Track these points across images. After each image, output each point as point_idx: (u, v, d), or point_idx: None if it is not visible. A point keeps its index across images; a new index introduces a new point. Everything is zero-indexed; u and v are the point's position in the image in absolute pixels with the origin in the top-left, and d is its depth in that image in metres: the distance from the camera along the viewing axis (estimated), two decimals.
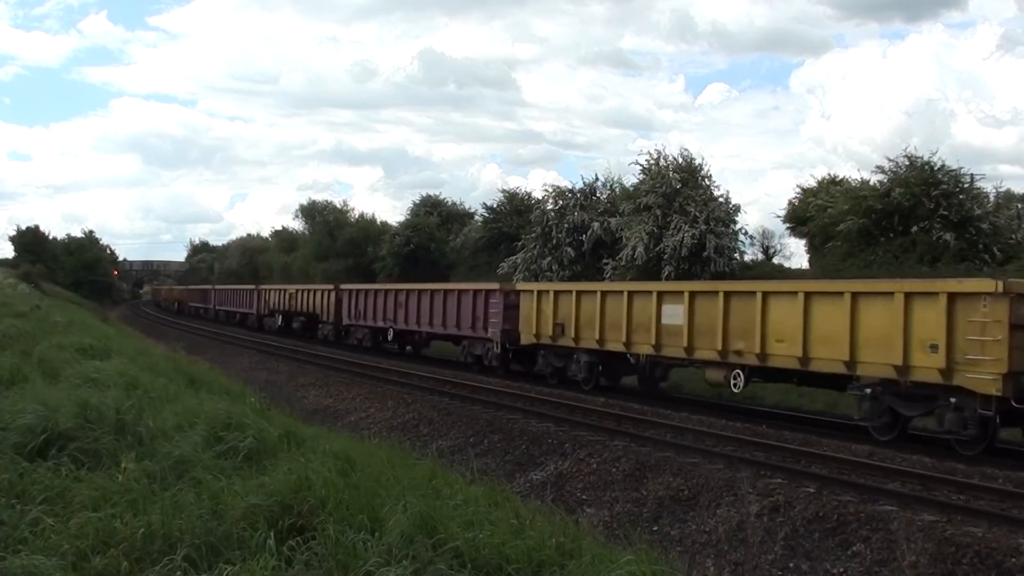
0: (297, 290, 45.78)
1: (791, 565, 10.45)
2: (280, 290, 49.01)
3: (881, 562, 10.04)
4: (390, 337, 34.45)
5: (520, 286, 26.70)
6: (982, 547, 9.73)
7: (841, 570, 10.18)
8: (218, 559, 5.74)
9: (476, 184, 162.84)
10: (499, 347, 26.04)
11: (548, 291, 24.48)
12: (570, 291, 23.71)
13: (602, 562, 5.91)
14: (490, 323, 26.47)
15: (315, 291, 43.14)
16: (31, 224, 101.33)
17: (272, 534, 6.04)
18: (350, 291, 38.30)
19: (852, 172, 76.82)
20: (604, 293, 22.39)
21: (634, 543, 6.29)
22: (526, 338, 24.72)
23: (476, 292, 27.83)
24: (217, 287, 67.91)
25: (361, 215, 71.72)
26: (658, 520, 12.44)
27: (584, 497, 13.85)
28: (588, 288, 23.97)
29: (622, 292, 21.76)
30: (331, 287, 41.17)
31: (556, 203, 40.49)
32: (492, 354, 26.60)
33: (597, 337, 21.86)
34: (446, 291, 30.10)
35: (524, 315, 24.83)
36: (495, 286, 27.14)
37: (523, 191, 50.69)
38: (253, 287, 55.09)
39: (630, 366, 22.16)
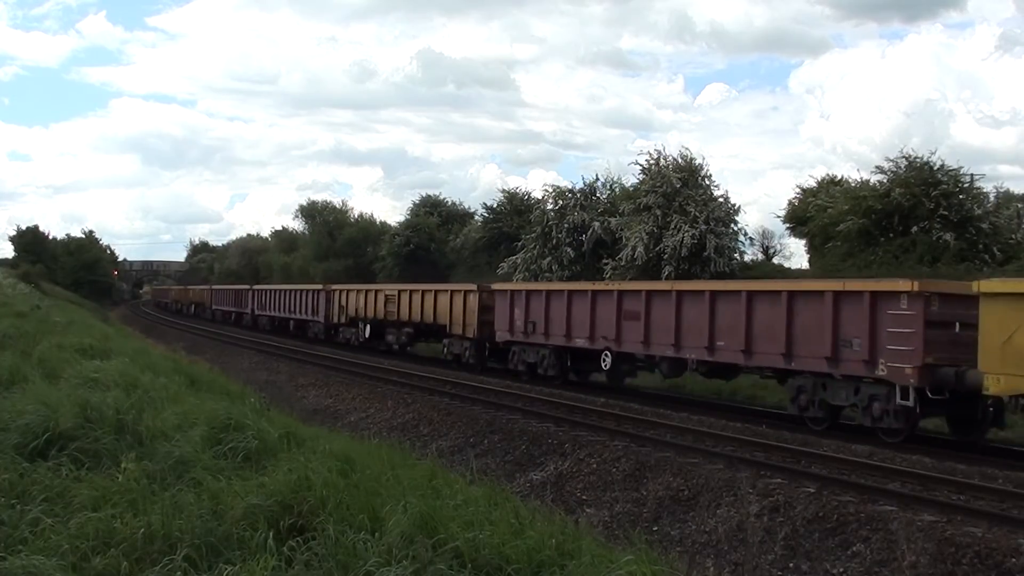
0: (399, 292, 33.84)
1: (791, 565, 10.45)
2: (368, 292, 36.95)
3: (881, 562, 10.04)
4: (606, 364, 22.43)
5: (989, 286, 14.23)
6: (982, 547, 9.73)
7: (841, 570, 10.18)
8: (218, 559, 5.74)
9: (476, 184, 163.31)
10: (909, 395, 15.01)
11: None
12: None
13: (602, 562, 5.90)
14: (887, 350, 15.34)
15: (432, 293, 31.07)
16: (31, 224, 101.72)
17: (272, 534, 6.03)
18: (513, 294, 26.07)
19: (851, 172, 77.01)
20: None
21: (634, 543, 6.28)
22: (1003, 384, 13.46)
23: (842, 296, 16.38)
24: (256, 288, 55.24)
25: (361, 215, 72.02)
26: (658, 520, 12.44)
27: (584, 497, 13.84)
28: None
29: None
30: (471, 288, 29.03)
31: (556, 203, 40.51)
32: (889, 406, 15.36)
33: None
34: (752, 293, 18.33)
35: (992, 336, 13.54)
36: (902, 285, 15.53)
37: (523, 191, 50.80)
38: (320, 287, 42.39)
39: None
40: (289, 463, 7.65)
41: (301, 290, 45.43)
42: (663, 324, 20.26)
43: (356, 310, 37.22)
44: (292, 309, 45.62)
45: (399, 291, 33.95)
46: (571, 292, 23.92)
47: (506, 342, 26.19)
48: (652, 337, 20.69)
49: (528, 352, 25.27)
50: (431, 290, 31.57)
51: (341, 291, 39.56)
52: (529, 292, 25.63)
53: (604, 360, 22.32)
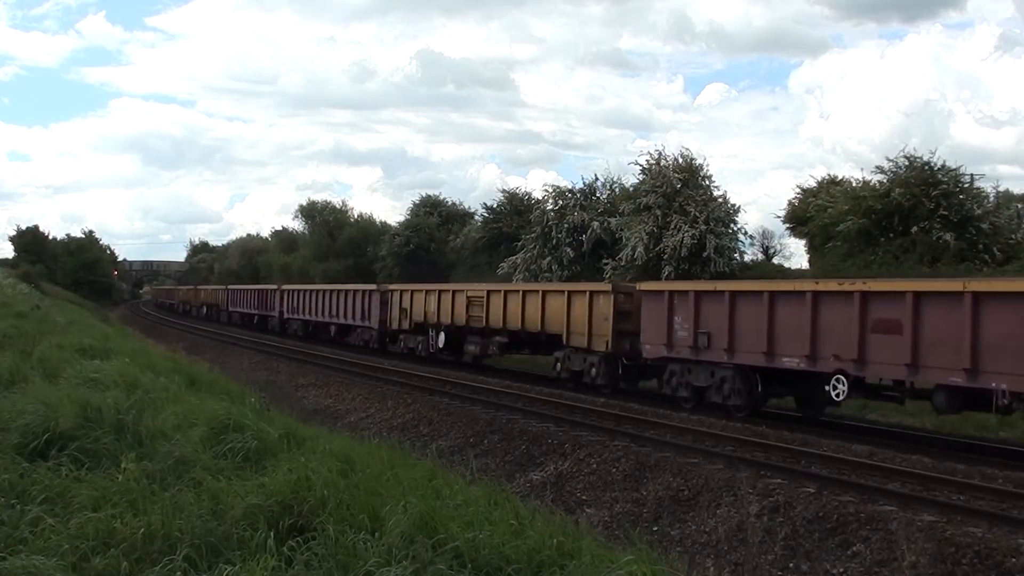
0: (489, 292, 28.11)
1: (791, 565, 10.44)
2: (443, 292, 30.91)
3: (881, 562, 10.03)
4: (840, 393, 16.55)
5: None
6: (982, 547, 9.73)
7: (841, 570, 10.18)
8: (218, 559, 5.73)
9: (475, 184, 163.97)
10: None
11: None
12: None
13: (602, 562, 5.89)
14: None
15: (539, 294, 25.53)
16: (31, 224, 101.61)
17: (272, 534, 6.02)
18: (674, 295, 20.18)
19: (851, 172, 77.09)
20: None
21: (634, 543, 6.27)
22: None
23: None
24: (287, 288, 48.91)
25: (360, 215, 72.12)
26: (658, 520, 12.44)
27: (584, 497, 13.84)
28: None
29: None
30: (602, 288, 23.37)
31: (556, 203, 40.58)
32: None
33: None
34: None
35: None
36: None
37: (523, 191, 50.86)
38: (374, 287, 36.72)
39: None
40: (289, 463, 7.63)
41: (347, 291, 38.98)
42: (946, 338, 14.64)
43: (425, 315, 31.43)
44: (334, 313, 39.65)
45: (488, 291, 28.17)
46: (774, 293, 17.89)
47: (660, 359, 20.42)
48: (923, 357, 14.99)
49: (697, 373, 19.41)
50: (538, 290, 26.19)
51: (403, 292, 33.85)
52: (700, 293, 19.50)
53: (835, 387, 16.46)
